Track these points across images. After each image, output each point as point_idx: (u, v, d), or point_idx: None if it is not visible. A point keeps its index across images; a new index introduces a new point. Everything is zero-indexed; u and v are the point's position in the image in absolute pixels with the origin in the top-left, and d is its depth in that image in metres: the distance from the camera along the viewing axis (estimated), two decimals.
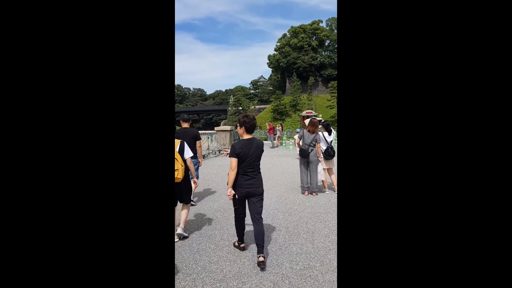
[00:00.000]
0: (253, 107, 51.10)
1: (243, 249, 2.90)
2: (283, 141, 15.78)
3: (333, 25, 56.68)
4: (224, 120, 53.59)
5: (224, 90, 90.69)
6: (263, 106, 55.48)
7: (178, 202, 3.30)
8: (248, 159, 2.64)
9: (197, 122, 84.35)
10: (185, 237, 3.25)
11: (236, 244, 2.95)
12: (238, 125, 2.78)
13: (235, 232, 2.96)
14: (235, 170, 2.62)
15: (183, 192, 3.25)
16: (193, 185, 3.45)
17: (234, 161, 2.62)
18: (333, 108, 41.55)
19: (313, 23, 54.28)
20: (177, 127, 4.29)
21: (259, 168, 2.76)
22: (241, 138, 2.77)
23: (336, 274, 2.39)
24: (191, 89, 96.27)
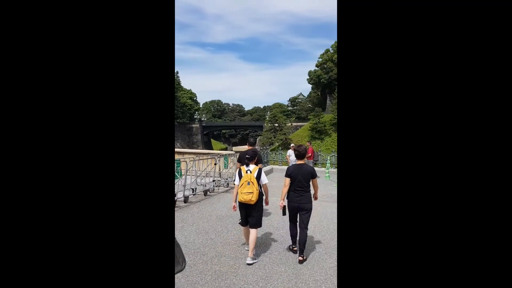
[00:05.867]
0: (289, 124, 48.70)
1: (296, 252, 3.58)
2: (327, 170, 11.64)
3: None
4: (259, 137, 51.73)
5: (262, 107, 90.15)
6: (300, 123, 52.81)
7: (248, 226, 3.56)
8: (297, 180, 3.42)
9: (234, 137, 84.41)
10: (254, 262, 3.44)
11: (290, 247, 3.74)
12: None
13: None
14: (287, 187, 3.50)
15: (255, 215, 3.48)
16: (265, 204, 3.61)
17: (287, 180, 3.50)
18: None
19: None
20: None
21: (308, 189, 3.48)
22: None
23: None
24: (231, 105, 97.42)
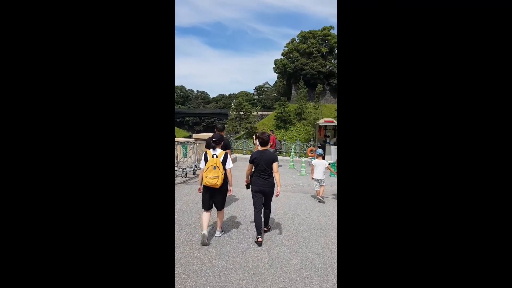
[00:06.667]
0: (255, 112, 48.31)
1: (260, 244, 3.52)
2: (291, 158, 11.03)
3: None
4: (225, 125, 50.67)
5: (227, 95, 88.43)
6: (266, 112, 52.81)
7: (215, 208, 3.65)
8: (260, 165, 3.63)
9: (198, 125, 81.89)
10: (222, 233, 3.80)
11: (256, 240, 3.60)
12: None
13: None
14: (250, 170, 3.76)
15: (219, 199, 3.61)
16: (228, 193, 3.68)
17: (249, 165, 3.74)
18: None
19: (324, 29, 51.55)
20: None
21: (271, 174, 3.66)
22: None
23: None
24: (195, 91, 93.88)
